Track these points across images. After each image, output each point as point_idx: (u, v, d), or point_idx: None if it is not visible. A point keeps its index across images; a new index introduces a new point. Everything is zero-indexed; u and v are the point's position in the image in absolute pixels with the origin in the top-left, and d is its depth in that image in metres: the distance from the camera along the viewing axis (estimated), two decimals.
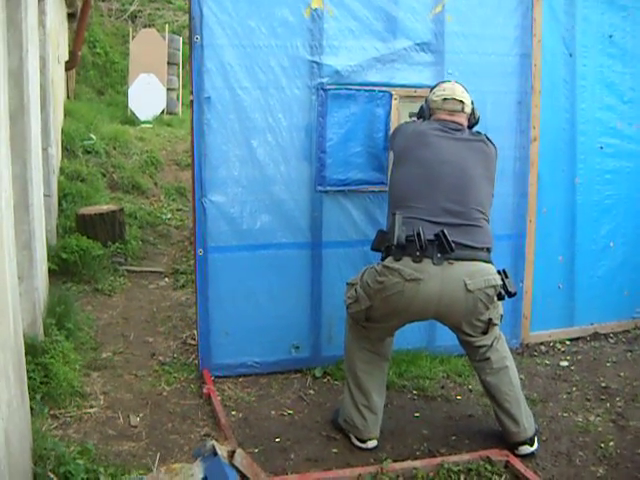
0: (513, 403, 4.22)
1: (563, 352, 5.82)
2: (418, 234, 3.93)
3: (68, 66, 12.50)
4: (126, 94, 13.83)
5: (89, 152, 10.36)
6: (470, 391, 5.10)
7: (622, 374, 5.41)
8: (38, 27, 6.59)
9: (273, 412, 4.75)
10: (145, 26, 16.52)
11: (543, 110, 5.60)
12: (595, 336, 6.14)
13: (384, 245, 4.12)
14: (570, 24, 5.67)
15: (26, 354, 4.02)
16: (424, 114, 4.57)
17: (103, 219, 7.79)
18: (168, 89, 13.80)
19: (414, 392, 5.06)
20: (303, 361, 5.28)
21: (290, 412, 4.78)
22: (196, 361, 5.33)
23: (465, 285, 3.95)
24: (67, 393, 4.74)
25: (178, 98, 14.35)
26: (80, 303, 6.49)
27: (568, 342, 5.98)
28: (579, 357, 5.74)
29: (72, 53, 12.66)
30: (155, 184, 10.22)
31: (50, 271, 6.67)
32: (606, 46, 5.83)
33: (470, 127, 4.53)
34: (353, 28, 5.08)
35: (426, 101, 4.59)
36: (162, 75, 13.61)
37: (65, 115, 11.25)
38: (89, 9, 13.01)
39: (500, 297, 4.19)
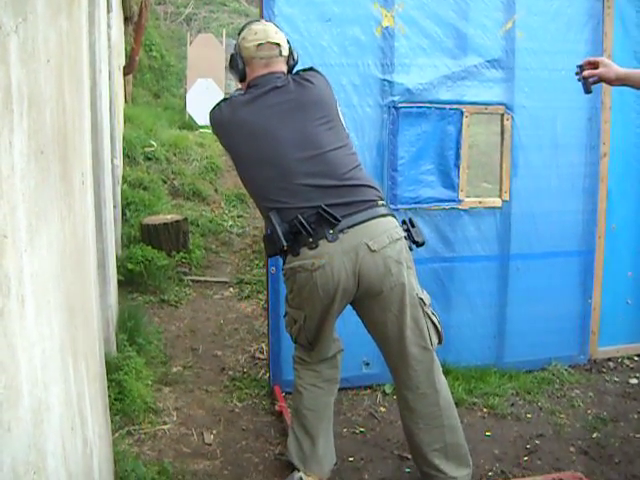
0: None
1: (632, 369, 5.75)
2: (300, 223, 3.63)
3: (126, 71, 12.57)
4: (183, 98, 13.94)
5: (150, 159, 10.46)
6: (540, 409, 5.07)
7: None
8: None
9: (345, 430, 4.76)
10: (200, 29, 16.66)
11: (613, 126, 5.55)
12: None
13: (278, 249, 3.78)
14: None
15: None
16: (236, 65, 3.98)
17: (167, 229, 7.86)
18: (226, 94, 13.82)
19: (484, 410, 5.04)
20: (373, 377, 5.29)
21: (362, 430, 4.79)
22: (266, 376, 5.38)
23: (368, 247, 3.63)
24: (141, 409, 4.80)
25: None
26: (148, 315, 6.56)
27: (636, 358, 5.91)
28: None
29: (130, 58, 12.75)
30: (215, 190, 10.27)
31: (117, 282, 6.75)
32: None
33: (290, 70, 4.05)
34: (424, 46, 5.08)
35: (236, 48, 4.02)
36: (220, 80, 13.70)
37: (125, 121, 11.34)
38: (146, 14, 13.11)
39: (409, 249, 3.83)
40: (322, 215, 3.62)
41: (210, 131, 12.35)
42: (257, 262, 8.12)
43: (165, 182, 10.09)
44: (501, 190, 5.39)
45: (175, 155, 10.84)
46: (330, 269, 3.63)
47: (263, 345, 5.99)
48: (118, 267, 7.05)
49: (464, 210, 5.31)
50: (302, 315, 3.87)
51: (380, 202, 3.81)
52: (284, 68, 4.00)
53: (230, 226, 9.19)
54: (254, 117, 3.82)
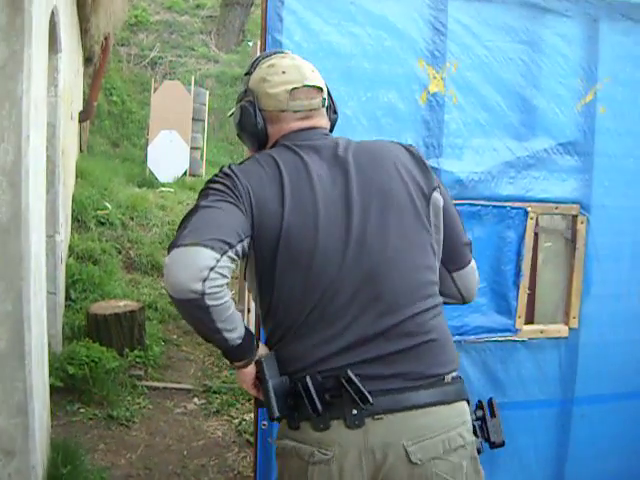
0: None
1: None
2: (305, 388, 2.23)
3: (82, 117, 11.33)
4: (144, 150, 12.66)
5: (103, 223, 9.16)
6: None
7: None
8: (48, 89, 5.25)
9: None
10: (166, 74, 15.46)
11: None
12: None
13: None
14: None
15: None
16: (252, 123, 2.49)
17: (119, 320, 6.43)
18: (191, 148, 12.53)
19: None
20: None
21: None
22: None
23: (407, 454, 2.22)
24: None
25: (202, 158, 13.04)
26: (91, 439, 5.17)
27: None
28: None
29: (87, 103, 11.57)
30: None
31: (53, 388, 5.27)
32: None
33: (331, 128, 2.70)
34: (482, 121, 3.74)
35: (249, 94, 2.52)
36: (186, 132, 12.39)
37: (77, 177, 9.99)
38: (108, 56, 11.96)
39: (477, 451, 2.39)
40: (344, 385, 2.20)
41: (172, 190, 11.08)
42: (227, 360, 6.72)
43: (119, 252, 8.82)
44: (568, 315, 4.06)
45: (132, 219, 9.57)
46: (337, 469, 2.22)
47: None
48: (57, 369, 5.69)
49: (521, 342, 3.98)
50: None
51: (449, 375, 2.38)
52: (327, 124, 2.64)
53: None
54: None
